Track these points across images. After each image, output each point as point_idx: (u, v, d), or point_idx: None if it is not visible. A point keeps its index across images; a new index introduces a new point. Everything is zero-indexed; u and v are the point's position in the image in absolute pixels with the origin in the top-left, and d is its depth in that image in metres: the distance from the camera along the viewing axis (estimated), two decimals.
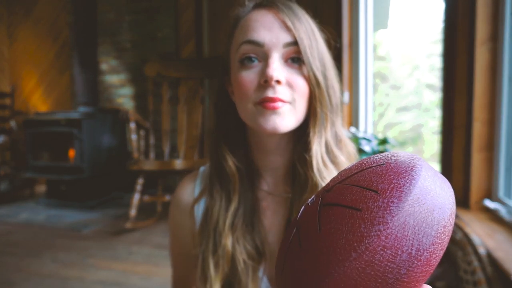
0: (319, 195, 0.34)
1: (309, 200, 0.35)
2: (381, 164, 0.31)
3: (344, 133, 0.59)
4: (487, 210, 1.59)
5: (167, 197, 3.03)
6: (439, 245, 0.28)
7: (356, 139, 1.78)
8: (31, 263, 2.24)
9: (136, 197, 2.83)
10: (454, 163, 1.74)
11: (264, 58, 0.52)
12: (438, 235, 0.28)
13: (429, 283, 1.51)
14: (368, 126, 2.57)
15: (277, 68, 0.50)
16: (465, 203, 1.67)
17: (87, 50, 3.71)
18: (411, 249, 0.27)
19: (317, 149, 0.53)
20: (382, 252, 0.27)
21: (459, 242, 1.35)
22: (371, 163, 0.32)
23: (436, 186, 0.29)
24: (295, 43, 0.51)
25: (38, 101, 4.61)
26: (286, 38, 0.51)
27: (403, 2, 3.43)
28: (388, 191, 0.28)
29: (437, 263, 0.29)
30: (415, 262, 0.27)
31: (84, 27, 3.66)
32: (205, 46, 3.77)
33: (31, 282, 2.00)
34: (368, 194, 0.29)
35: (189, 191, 0.63)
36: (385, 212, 0.27)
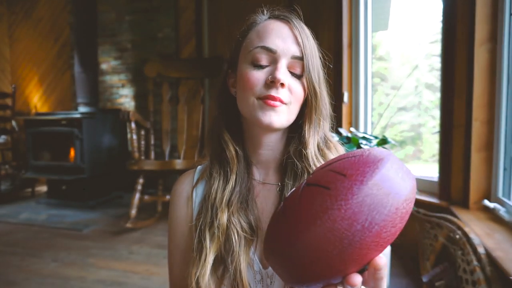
0: (305, 179, 0.42)
1: (308, 176, 0.43)
2: (356, 156, 0.39)
3: (333, 137, 0.68)
4: (486, 210, 1.59)
5: (167, 197, 3.04)
6: (390, 223, 0.35)
7: (355, 139, 1.79)
8: (31, 263, 2.25)
9: (136, 197, 2.84)
10: (453, 163, 1.74)
11: (274, 62, 0.59)
12: (390, 214, 0.34)
13: (429, 282, 1.51)
14: (368, 126, 2.58)
15: (284, 73, 0.58)
16: (464, 203, 1.67)
17: (87, 50, 3.71)
18: (365, 222, 0.34)
19: (311, 147, 0.62)
20: (340, 221, 0.34)
21: (458, 242, 1.36)
22: (349, 155, 0.40)
23: (397, 176, 0.36)
24: (301, 58, 0.60)
25: (39, 101, 4.61)
26: (295, 51, 0.59)
27: (402, 3, 3.44)
28: (354, 176, 0.36)
29: (390, 239, 0.36)
30: (367, 232, 0.34)
31: (84, 28, 3.67)
32: (205, 46, 3.77)
33: (32, 281, 2.01)
34: (339, 177, 0.37)
35: (188, 181, 0.69)
36: (347, 192, 0.35)
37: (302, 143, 0.63)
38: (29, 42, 4.58)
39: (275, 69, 0.58)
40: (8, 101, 4.31)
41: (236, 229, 0.60)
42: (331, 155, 0.64)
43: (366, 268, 0.37)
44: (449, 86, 1.73)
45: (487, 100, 1.58)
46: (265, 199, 0.65)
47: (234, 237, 0.60)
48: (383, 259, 0.37)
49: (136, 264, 2.21)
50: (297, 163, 0.62)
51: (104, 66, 4.14)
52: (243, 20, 0.70)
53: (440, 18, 1.79)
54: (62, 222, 3.04)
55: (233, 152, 0.64)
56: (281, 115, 0.59)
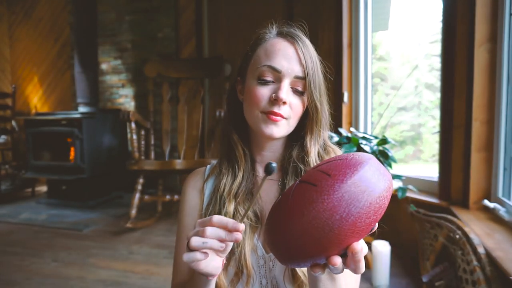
0: (303, 174, 0.51)
1: (304, 174, 0.50)
2: (342, 159, 0.47)
3: (332, 138, 0.73)
4: (486, 210, 1.59)
5: (167, 197, 3.04)
6: (364, 215, 0.42)
7: (355, 139, 1.79)
8: (32, 263, 2.25)
9: (136, 197, 2.84)
10: (453, 163, 1.74)
11: (278, 81, 0.66)
12: (364, 207, 0.42)
13: (429, 282, 1.52)
14: (368, 126, 2.58)
15: (286, 92, 0.65)
16: (464, 203, 1.67)
17: (87, 50, 3.71)
18: (342, 213, 0.41)
19: (313, 155, 0.71)
20: (323, 212, 0.42)
21: (458, 242, 1.36)
22: (336, 158, 0.48)
23: (373, 177, 0.43)
24: (303, 78, 0.66)
25: (39, 101, 4.61)
26: (298, 72, 0.66)
27: (402, 3, 3.44)
28: (337, 176, 0.43)
29: (365, 228, 0.43)
30: (344, 222, 0.41)
31: (84, 28, 3.67)
32: (205, 46, 3.77)
33: (32, 281, 2.01)
34: (324, 176, 0.45)
35: (200, 176, 0.78)
36: (330, 188, 0.43)
37: (304, 151, 0.71)
38: (29, 42, 4.58)
39: (278, 88, 0.65)
40: (8, 101, 4.31)
41: (242, 217, 0.65)
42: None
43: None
44: (449, 86, 1.73)
45: (487, 100, 1.58)
46: (268, 193, 0.73)
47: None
48: (360, 244, 0.43)
49: (136, 264, 2.21)
50: (300, 166, 0.70)
51: (104, 66, 4.14)
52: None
53: (440, 18, 1.79)
54: (62, 222, 3.05)
55: (242, 152, 0.72)
56: (281, 128, 0.67)
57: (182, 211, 0.75)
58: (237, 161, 0.72)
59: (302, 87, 0.67)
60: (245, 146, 0.73)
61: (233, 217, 0.67)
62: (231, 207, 0.68)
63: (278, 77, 0.66)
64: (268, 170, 0.48)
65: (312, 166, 0.69)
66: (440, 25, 1.81)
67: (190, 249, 0.49)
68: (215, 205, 0.69)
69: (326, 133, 0.74)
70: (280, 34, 0.69)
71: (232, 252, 0.66)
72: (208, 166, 0.79)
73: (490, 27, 1.55)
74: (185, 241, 0.72)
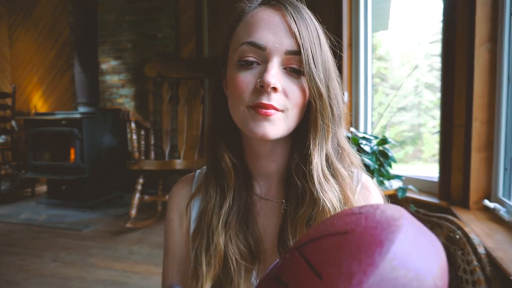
0: (284, 254, 0.29)
1: (285, 255, 0.29)
2: (348, 232, 0.24)
3: (347, 144, 0.57)
4: (487, 210, 1.59)
5: (167, 197, 3.04)
6: None
7: (356, 139, 1.79)
8: (32, 263, 2.25)
9: (136, 197, 2.84)
10: (453, 163, 1.74)
11: (264, 61, 0.49)
12: None
13: None
14: (368, 126, 2.58)
15: (275, 75, 0.48)
16: (464, 203, 1.67)
17: (87, 50, 3.71)
18: None
19: (317, 162, 0.51)
20: None
21: (458, 242, 1.36)
22: (337, 227, 0.26)
23: (405, 275, 0.21)
24: (298, 52, 0.49)
25: (39, 101, 4.61)
26: (289, 45, 0.49)
27: (402, 3, 3.44)
28: (333, 281, 0.21)
29: None
30: None
31: (84, 28, 3.67)
32: (205, 46, 3.77)
33: (32, 281, 2.01)
34: (312, 278, 0.23)
35: (185, 191, 0.63)
36: None
37: (305, 157, 0.52)
38: (29, 42, 4.58)
39: (264, 70, 0.48)
40: (8, 101, 4.31)
41: (235, 257, 0.53)
42: (343, 171, 0.54)
43: None
44: (449, 86, 1.73)
45: (487, 100, 1.58)
46: (267, 218, 0.57)
47: (233, 266, 0.53)
48: None
49: (136, 264, 2.21)
50: (299, 183, 0.52)
51: (104, 66, 4.14)
52: None
53: (440, 18, 1.79)
54: (62, 222, 3.04)
55: (230, 164, 0.55)
56: (277, 125, 0.49)
57: (168, 232, 0.62)
58: (224, 177, 0.55)
59: (299, 65, 0.49)
60: (236, 157, 0.55)
61: (225, 253, 0.53)
62: (221, 242, 0.53)
63: (263, 56, 0.49)
64: None
65: (315, 179, 0.50)
66: (440, 25, 1.81)
67: None
68: (202, 238, 0.54)
69: (340, 131, 0.55)
70: (264, 2, 0.52)
71: None
72: (197, 174, 0.64)
73: (490, 27, 1.55)
74: (172, 268, 0.61)
